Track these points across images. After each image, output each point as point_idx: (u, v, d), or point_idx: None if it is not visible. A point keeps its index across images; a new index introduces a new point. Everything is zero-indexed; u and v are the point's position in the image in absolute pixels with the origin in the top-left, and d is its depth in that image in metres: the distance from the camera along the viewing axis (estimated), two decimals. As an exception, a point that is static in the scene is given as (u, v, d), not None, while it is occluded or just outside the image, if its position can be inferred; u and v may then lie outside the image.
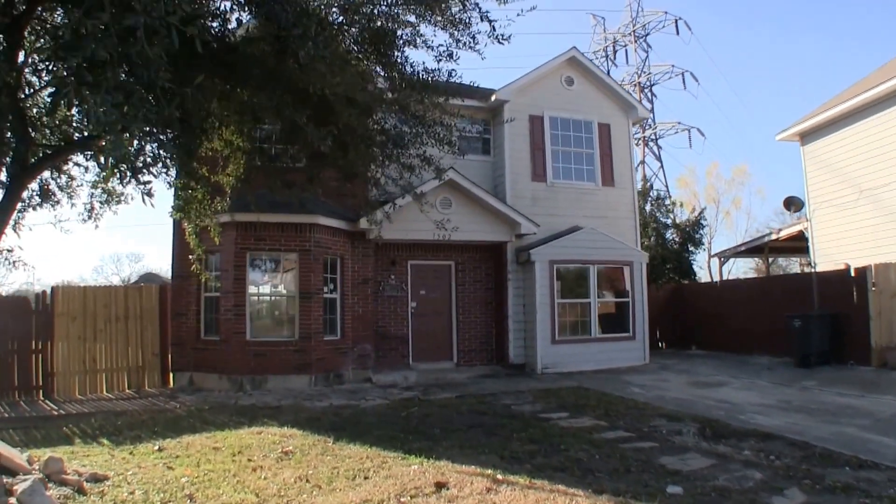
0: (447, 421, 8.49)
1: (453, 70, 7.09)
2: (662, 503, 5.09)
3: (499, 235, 13.26)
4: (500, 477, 5.85)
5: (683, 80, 33.03)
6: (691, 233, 19.46)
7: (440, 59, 6.92)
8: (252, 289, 11.44)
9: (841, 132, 14.95)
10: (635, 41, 30.33)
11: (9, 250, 5.40)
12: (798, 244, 17.64)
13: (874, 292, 12.15)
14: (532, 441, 7.29)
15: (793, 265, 29.98)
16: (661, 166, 35.12)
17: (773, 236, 17.69)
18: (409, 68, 7.01)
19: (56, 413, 9.31)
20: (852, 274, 12.65)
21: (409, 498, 5.32)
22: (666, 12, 27.85)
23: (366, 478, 5.85)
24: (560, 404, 9.58)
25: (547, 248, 13.26)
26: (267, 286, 11.84)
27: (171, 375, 11.84)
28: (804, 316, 12.77)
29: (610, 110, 14.79)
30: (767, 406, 9.28)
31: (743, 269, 28.16)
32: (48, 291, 10.87)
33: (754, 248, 19.10)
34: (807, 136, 16.05)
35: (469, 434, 7.70)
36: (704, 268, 30.60)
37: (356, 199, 12.24)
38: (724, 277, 24.39)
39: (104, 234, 74.41)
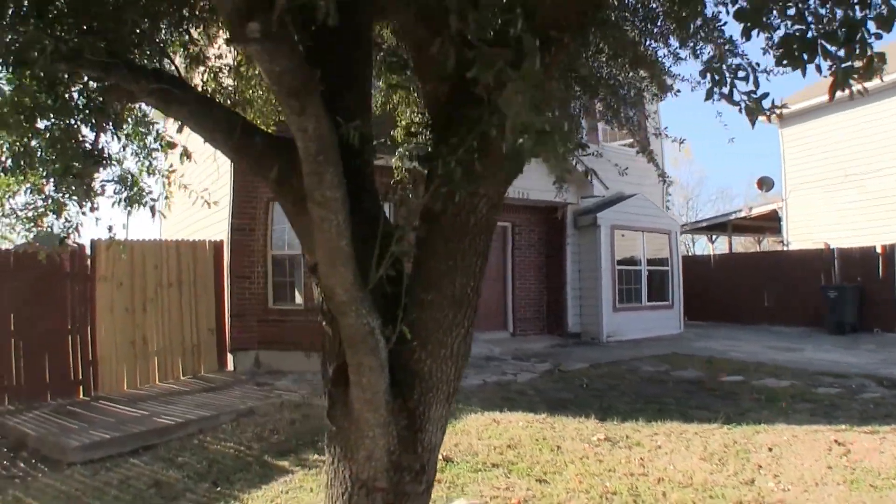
0: (645, 390, 7.86)
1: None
2: None
3: (565, 196, 12.40)
4: (870, 429, 5.67)
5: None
6: (656, 209, 20.10)
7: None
8: (345, 245, 9.30)
9: (824, 119, 16.05)
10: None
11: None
12: (763, 223, 18.97)
13: (900, 267, 13.28)
14: (793, 399, 7.07)
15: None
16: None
17: (743, 214, 18.73)
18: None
19: (169, 422, 6.35)
20: (878, 251, 13.73)
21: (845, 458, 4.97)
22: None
23: (770, 449, 5.24)
24: (715, 369, 9.17)
25: (610, 213, 12.68)
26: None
27: (228, 356, 9.31)
28: (840, 287, 13.62)
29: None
30: (880, 363, 9.68)
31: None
32: (87, 247, 7.85)
33: (716, 226, 20.19)
34: (787, 120, 16.99)
35: (706, 401, 7.16)
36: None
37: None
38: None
39: None
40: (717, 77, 1.97)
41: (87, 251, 7.90)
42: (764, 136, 63.42)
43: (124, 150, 3.81)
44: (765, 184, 17.75)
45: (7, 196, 3.55)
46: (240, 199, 9.16)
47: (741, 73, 1.99)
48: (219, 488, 4.65)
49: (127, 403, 7.25)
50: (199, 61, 4.35)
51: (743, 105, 1.96)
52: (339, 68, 2.65)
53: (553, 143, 1.66)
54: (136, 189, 3.77)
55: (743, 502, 4.16)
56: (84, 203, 3.49)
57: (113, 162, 3.63)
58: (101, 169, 3.50)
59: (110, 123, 3.46)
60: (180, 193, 4.42)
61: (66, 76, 3.11)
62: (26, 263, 7.27)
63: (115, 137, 3.64)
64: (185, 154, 3.96)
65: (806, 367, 9.22)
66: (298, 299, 9.41)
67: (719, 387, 7.91)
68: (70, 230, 3.73)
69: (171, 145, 3.96)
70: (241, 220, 9.23)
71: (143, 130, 3.89)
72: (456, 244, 2.44)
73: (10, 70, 2.87)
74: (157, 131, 3.93)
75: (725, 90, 1.97)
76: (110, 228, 3.94)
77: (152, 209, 3.51)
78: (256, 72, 4.98)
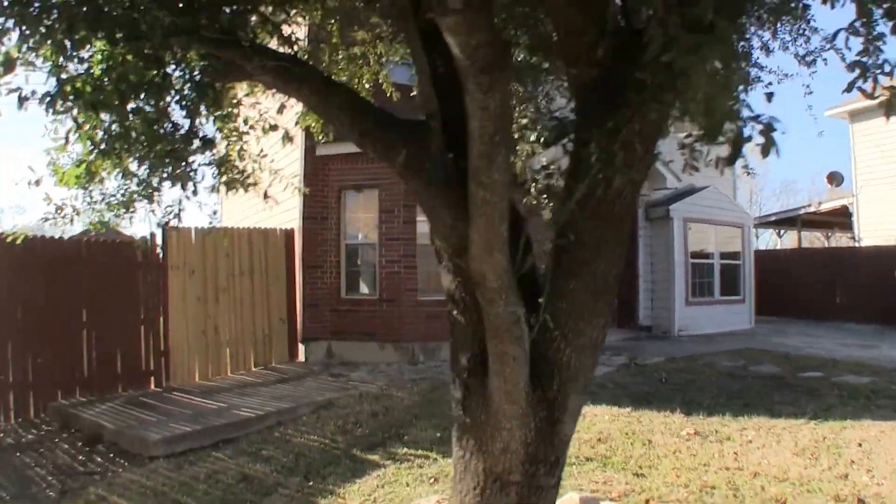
0: (726, 385, 7.64)
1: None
2: None
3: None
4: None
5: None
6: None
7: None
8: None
9: (896, 114, 15.27)
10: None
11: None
12: (833, 219, 18.15)
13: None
14: (874, 395, 6.85)
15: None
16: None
17: (812, 209, 18.00)
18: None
19: (249, 414, 6.28)
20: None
21: None
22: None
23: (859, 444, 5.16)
24: (794, 366, 8.80)
25: (683, 205, 12.28)
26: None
27: (299, 346, 9.36)
28: (915, 285, 12.97)
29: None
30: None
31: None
32: (158, 235, 7.88)
33: (785, 220, 19.49)
34: (857, 115, 15.99)
35: (789, 396, 6.96)
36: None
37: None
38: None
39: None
40: (866, 72, 1.96)
41: (159, 239, 7.89)
42: (831, 131, 61.33)
43: (219, 132, 3.74)
44: (835, 179, 17.06)
45: (97, 180, 3.49)
46: (311, 186, 9.13)
47: (886, 69, 1.98)
48: (311, 483, 4.57)
49: (201, 395, 7.19)
50: (290, 42, 4.26)
51: (882, 99, 1.93)
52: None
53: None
54: (239, 173, 3.71)
55: (840, 496, 4.06)
56: (186, 186, 3.43)
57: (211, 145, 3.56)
58: (204, 151, 3.44)
59: (209, 104, 3.36)
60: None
61: (174, 53, 3.01)
62: (98, 252, 7.33)
63: (209, 119, 3.57)
64: (287, 137, 3.88)
65: (884, 363, 8.89)
66: (366, 289, 9.40)
67: (800, 383, 7.67)
68: (171, 215, 3.67)
69: (273, 128, 3.88)
70: (313, 208, 9.23)
71: (234, 112, 3.78)
72: (601, 231, 2.35)
73: (122, 45, 2.75)
74: (259, 112, 3.85)
75: (867, 85, 1.97)
76: (214, 213, 3.91)
77: (265, 194, 3.43)
78: (340, 56, 4.83)
